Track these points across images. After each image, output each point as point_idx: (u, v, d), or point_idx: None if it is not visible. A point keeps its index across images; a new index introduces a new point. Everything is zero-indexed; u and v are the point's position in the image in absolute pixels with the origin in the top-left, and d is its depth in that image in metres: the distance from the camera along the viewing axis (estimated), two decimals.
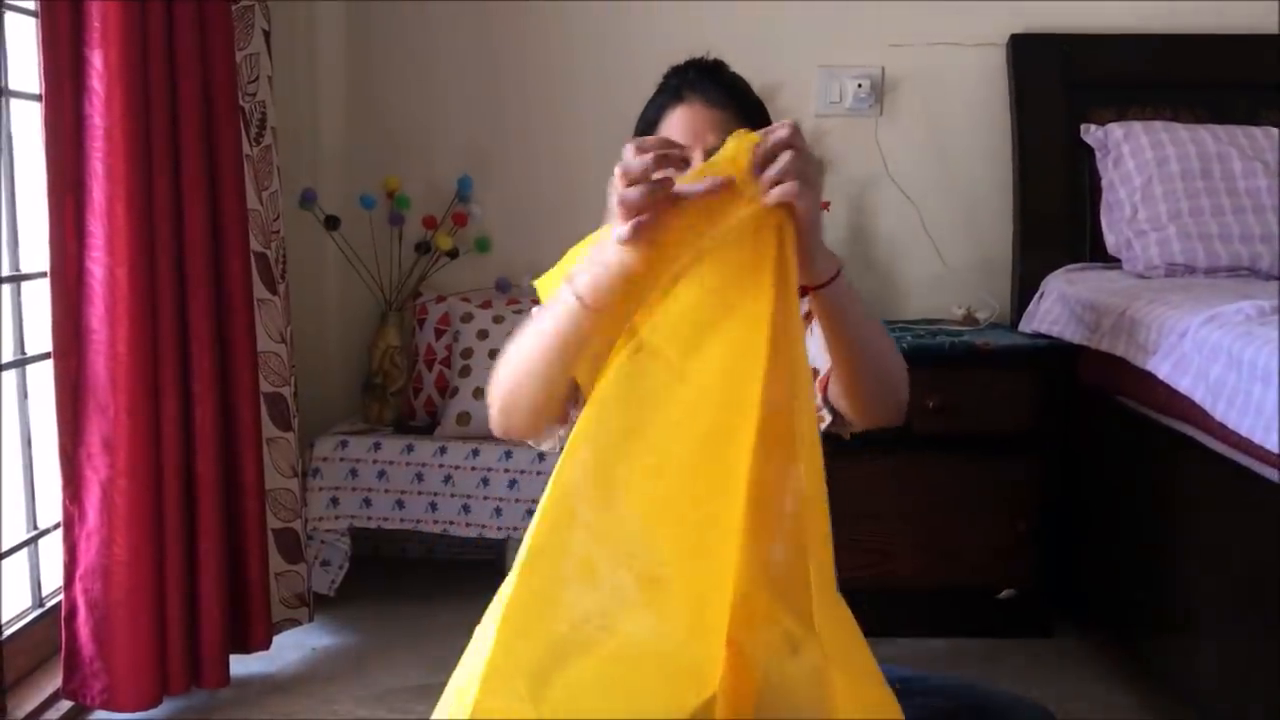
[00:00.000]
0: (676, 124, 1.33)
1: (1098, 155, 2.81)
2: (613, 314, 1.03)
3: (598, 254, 1.04)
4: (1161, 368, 2.02)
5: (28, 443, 2.21)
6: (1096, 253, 2.83)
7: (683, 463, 0.97)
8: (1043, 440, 2.54)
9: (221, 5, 2.21)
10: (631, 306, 1.01)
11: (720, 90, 1.34)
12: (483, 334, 2.86)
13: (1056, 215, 2.88)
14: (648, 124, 1.37)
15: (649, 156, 1.01)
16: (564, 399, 1.14)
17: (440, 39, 3.03)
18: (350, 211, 2.93)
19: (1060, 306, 2.59)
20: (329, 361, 3.10)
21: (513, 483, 2.67)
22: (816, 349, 1.20)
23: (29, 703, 2.09)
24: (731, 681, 0.93)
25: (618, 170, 1.01)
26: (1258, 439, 1.68)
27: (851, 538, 2.50)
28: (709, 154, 1.19)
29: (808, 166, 0.99)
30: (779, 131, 1.01)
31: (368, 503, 2.74)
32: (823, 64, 2.98)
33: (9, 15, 2.06)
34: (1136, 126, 2.76)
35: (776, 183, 0.98)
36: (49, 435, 2.08)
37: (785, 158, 0.99)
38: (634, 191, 0.99)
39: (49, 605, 2.25)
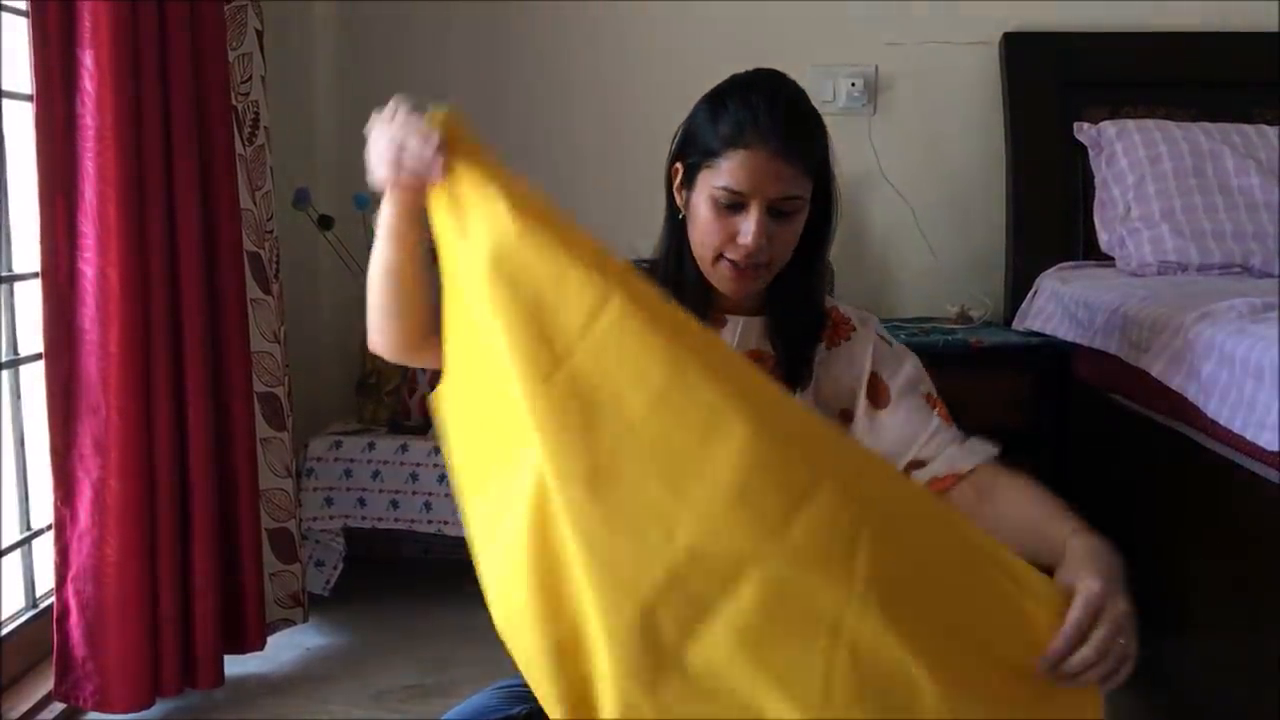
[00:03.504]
0: (737, 170, 1.28)
1: (1091, 153, 2.81)
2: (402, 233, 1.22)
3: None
4: (1154, 365, 2.02)
5: (21, 444, 2.20)
6: (1090, 251, 2.83)
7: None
8: (1036, 438, 2.54)
9: (214, 5, 2.20)
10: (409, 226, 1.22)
11: (787, 140, 1.27)
12: None
13: (1050, 213, 2.88)
14: (704, 151, 1.31)
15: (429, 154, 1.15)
16: (417, 326, 1.27)
17: (433, 37, 3.03)
18: (344, 211, 2.92)
19: (1054, 304, 2.59)
20: (323, 361, 3.09)
21: None
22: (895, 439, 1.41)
23: (23, 704, 2.09)
24: None
25: (402, 134, 1.17)
26: (1249, 436, 1.68)
27: None
28: (767, 204, 1.27)
29: (1118, 640, 1.03)
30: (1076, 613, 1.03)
31: (362, 502, 2.73)
32: (816, 63, 2.98)
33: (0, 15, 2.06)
34: (1129, 124, 2.77)
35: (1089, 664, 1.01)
36: (42, 436, 2.07)
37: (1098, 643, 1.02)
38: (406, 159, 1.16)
39: (42, 606, 2.24)
